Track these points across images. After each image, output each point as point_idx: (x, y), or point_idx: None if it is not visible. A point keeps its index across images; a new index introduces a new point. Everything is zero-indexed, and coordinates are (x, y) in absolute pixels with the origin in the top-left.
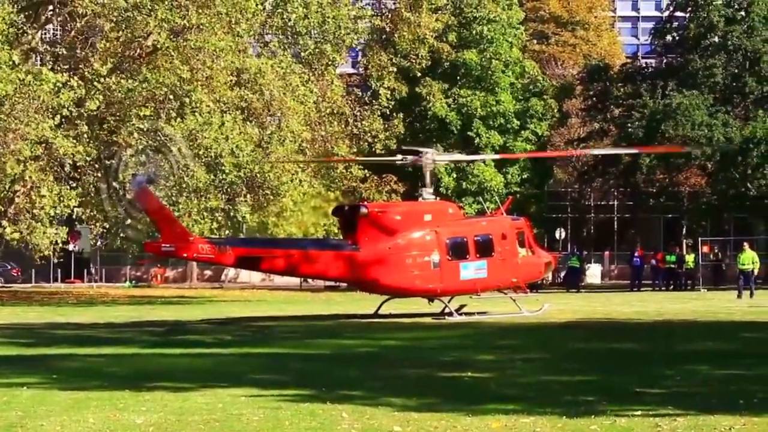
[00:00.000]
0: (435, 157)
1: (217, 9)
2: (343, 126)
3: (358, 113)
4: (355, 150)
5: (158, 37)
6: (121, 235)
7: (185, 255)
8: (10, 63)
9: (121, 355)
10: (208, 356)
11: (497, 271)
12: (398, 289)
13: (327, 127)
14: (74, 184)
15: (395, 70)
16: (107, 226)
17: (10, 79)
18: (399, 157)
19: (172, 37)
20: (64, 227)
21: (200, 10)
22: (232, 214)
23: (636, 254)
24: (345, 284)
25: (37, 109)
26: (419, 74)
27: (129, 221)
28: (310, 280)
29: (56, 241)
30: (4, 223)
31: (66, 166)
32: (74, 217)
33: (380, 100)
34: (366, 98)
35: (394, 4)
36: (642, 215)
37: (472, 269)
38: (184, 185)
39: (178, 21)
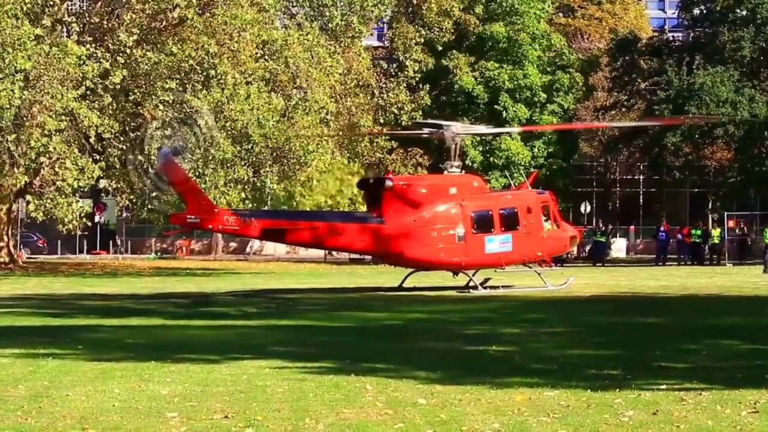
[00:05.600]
0: (457, 131)
1: None
2: (368, 98)
3: (384, 85)
4: (381, 122)
5: (186, 12)
6: (148, 206)
7: (210, 227)
8: (33, 37)
9: (147, 327)
10: (232, 328)
11: (522, 245)
12: (423, 262)
13: (352, 99)
14: (99, 157)
15: (422, 41)
16: (133, 198)
17: (36, 51)
18: (426, 130)
19: (198, 10)
20: (89, 200)
21: None
22: (259, 185)
23: (661, 228)
24: (370, 257)
25: (62, 80)
26: (445, 47)
27: (155, 193)
28: (334, 253)
29: (80, 213)
30: (29, 197)
31: (91, 138)
32: (100, 188)
33: (407, 72)
34: (392, 70)
35: None
36: (668, 189)
37: (497, 242)
38: (210, 157)
39: None
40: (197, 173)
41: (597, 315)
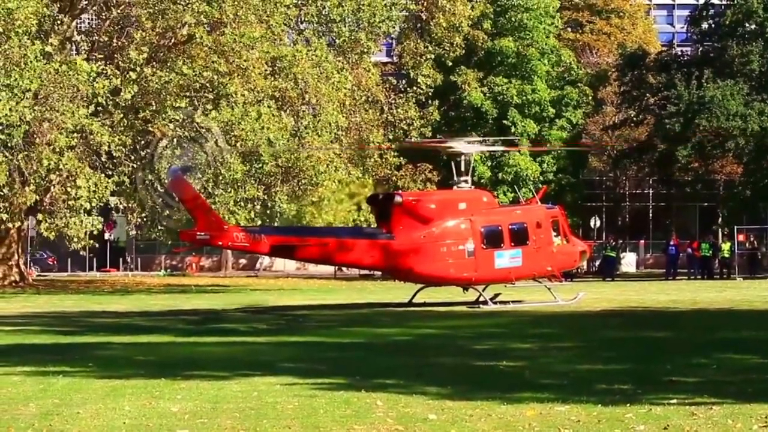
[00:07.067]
0: (468, 147)
1: (253, 2)
2: (377, 114)
3: (393, 101)
4: (390, 137)
5: (194, 31)
6: (158, 228)
7: (220, 243)
8: (41, 56)
9: (157, 344)
10: (242, 345)
11: (532, 260)
12: (433, 277)
13: (362, 115)
14: (110, 173)
15: (432, 57)
16: (144, 216)
17: (45, 69)
18: (448, 143)
19: (207, 29)
20: (99, 217)
21: (236, 2)
22: (270, 204)
23: (671, 243)
24: (379, 273)
25: (72, 98)
26: (453, 63)
27: (166, 212)
28: (344, 269)
29: (92, 231)
30: (40, 216)
31: (102, 155)
32: (110, 206)
33: (416, 88)
34: (401, 86)
35: None
36: (677, 204)
37: (506, 258)
38: (220, 176)
39: (215, 14)
40: (207, 193)
41: (607, 329)
